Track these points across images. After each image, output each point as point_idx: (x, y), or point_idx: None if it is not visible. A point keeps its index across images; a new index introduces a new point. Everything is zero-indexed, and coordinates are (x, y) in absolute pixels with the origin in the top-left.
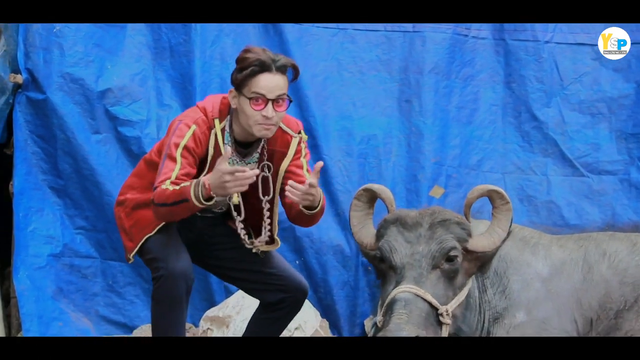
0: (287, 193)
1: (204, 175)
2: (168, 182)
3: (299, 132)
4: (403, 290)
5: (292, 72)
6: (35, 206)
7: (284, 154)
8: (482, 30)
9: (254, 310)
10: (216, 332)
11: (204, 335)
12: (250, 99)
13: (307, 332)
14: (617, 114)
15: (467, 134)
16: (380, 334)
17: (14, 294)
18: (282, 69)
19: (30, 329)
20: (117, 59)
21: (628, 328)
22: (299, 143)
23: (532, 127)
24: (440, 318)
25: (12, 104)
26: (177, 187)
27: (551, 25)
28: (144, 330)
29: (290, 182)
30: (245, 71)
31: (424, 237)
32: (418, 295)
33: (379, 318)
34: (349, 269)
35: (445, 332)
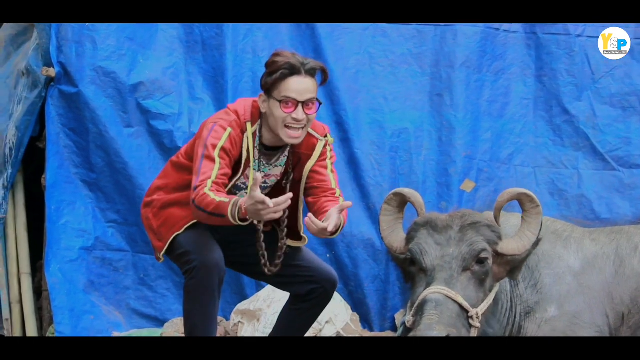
0: (306, 221)
1: (237, 180)
2: (209, 182)
3: (325, 136)
4: (434, 292)
5: (322, 75)
6: (67, 199)
7: (309, 156)
8: (513, 24)
9: (284, 303)
10: (247, 326)
11: (235, 328)
12: (280, 101)
13: (338, 325)
14: None
15: (498, 128)
16: (411, 334)
17: (45, 287)
18: (311, 72)
19: (62, 322)
20: (149, 53)
21: None
22: (325, 146)
23: (564, 120)
24: (470, 321)
25: (45, 97)
26: (217, 199)
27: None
28: (175, 324)
29: (309, 215)
30: (275, 75)
31: (454, 239)
32: (449, 297)
33: (408, 318)
34: (380, 263)
35: (474, 334)
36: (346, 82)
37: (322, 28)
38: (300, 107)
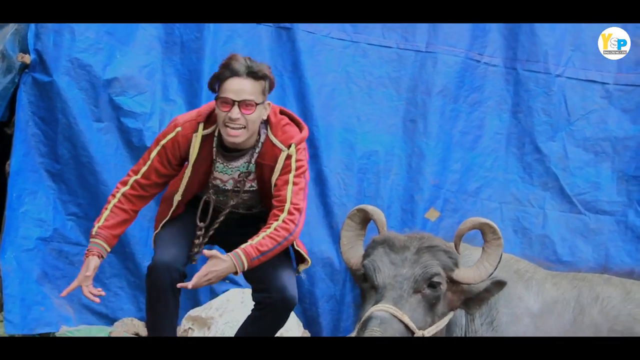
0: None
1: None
2: (132, 179)
3: (289, 146)
4: (380, 309)
5: (267, 81)
6: (29, 188)
7: (273, 168)
8: (494, 57)
9: (237, 315)
10: (197, 332)
11: (184, 334)
12: (218, 100)
13: None
14: (621, 155)
15: (468, 160)
16: None
17: None
18: (253, 75)
19: (12, 310)
20: (127, 49)
21: None
22: (287, 158)
23: (535, 159)
24: None
25: (18, 83)
26: (102, 219)
27: (564, 59)
28: (125, 324)
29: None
30: (216, 75)
31: (409, 260)
32: (395, 316)
33: (353, 334)
34: (337, 283)
35: None
36: (321, 98)
37: (302, 42)
38: (236, 106)
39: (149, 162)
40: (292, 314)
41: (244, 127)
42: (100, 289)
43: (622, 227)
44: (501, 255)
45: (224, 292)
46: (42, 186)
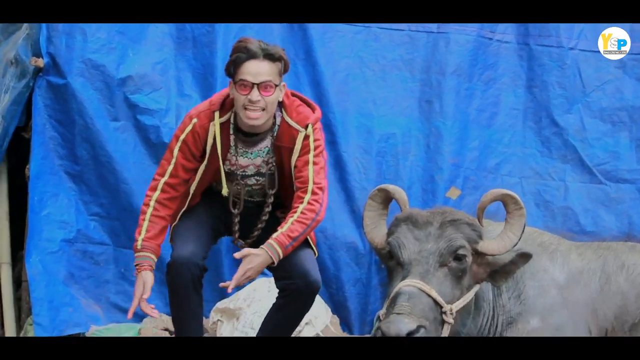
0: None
1: (203, 165)
2: (162, 182)
3: (306, 127)
4: (407, 284)
5: (282, 63)
6: (50, 191)
7: (291, 150)
8: (506, 34)
9: (264, 304)
10: (226, 324)
11: (213, 326)
12: (236, 84)
13: (318, 327)
14: (638, 123)
15: (486, 137)
16: (381, 324)
17: (25, 277)
18: (269, 57)
19: (40, 314)
20: (140, 47)
21: None
22: (306, 138)
23: (552, 132)
24: (444, 316)
25: (32, 87)
26: (143, 231)
27: (576, 32)
28: (154, 320)
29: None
30: (232, 59)
31: (433, 235)
32: (423, 291)
33: (382, 311)
34: (362, 266)
35: (446, 331)
36: (336, 85)
37: (314, 30)
38: (255, 89)
39: (173, 160)
40: (320, 300)
41: (264, 109)
42: (153, 306)
43: None
44: (524, 225)
45: (250, 282)
46: (63, 188)
